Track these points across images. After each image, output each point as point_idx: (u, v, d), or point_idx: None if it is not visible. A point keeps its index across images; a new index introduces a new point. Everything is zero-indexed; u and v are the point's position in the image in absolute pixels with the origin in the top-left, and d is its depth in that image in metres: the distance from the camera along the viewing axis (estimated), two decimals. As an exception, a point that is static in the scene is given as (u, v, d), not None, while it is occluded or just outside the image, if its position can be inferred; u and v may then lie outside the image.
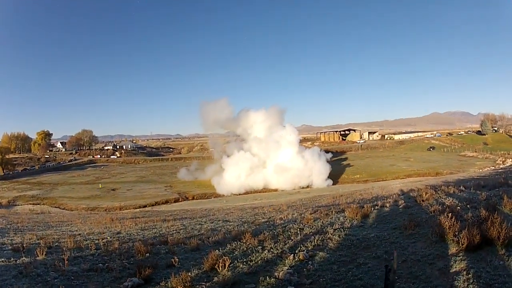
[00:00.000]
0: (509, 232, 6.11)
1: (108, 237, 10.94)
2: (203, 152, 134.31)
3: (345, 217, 11.17)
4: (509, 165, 59.17)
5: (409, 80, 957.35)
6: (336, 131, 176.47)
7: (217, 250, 7.79)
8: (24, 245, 9.30)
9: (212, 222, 13.67)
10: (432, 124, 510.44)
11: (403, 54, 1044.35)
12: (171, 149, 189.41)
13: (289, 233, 9.39)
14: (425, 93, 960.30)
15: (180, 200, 56.34)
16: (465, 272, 5.46)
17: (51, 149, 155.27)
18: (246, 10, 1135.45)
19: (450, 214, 8.04)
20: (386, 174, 66.93)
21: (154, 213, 28.01)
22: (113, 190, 67.36)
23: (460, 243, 6.33)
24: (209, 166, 74.56)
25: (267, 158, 70.71)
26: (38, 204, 55.12)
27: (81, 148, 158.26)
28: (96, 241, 10.13)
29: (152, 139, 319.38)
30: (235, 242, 8.64)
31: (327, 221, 10.79)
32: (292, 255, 7.13)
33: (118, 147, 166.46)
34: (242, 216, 16.32)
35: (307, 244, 7.91)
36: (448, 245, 6.68)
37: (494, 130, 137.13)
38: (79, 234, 11.93)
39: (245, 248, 8.00)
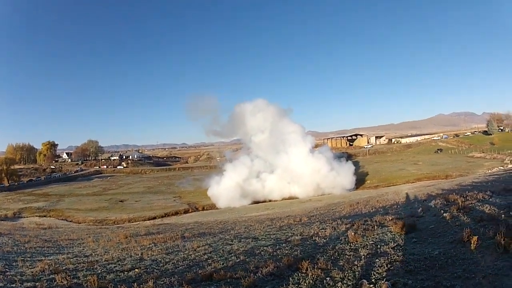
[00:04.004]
0: None
1: (131, 265, 9.57)
2: (210, 161, 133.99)
3: (391, 232, 10.34)
4: None
5: (413, 82, 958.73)
6: (343, 137, 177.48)
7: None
8: (37, 285, 7.94)
9: (240, 241, 12.38)
10: (437, 126, 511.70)
11: (405, 56, 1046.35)
12: (177, 159, 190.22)
13: (347, 256, 8.22)
14: (429, 94, 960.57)
15: (190, 211, 55.28)
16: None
17: (56, 159, 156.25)
18: (248, 16, 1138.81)
19: (503, 223, 8.03)
20: (396, 178, 65.96)
21: (167, 227, 26.75)
22: (121, 201, 66.55)
23: None
24: (213, 175, 71.17)
25: (273, 160, 67.49)
26: (45, 216, 54.35)
27: (87, 158, 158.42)
28: (121, 274, 8.86)
29: (158, 148, 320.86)
30: (295, 273, 7.24)
31: (375, 237, 9.84)
32: (373, 286, 6.08)
33: (124, 157, 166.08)
34: (267, 231, 15.05)
35: (377, 269, 6.86)
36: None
37: (500, 129, 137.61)
38: (96, 260, 10.63)
39: (312, 282, 6.69)
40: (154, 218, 48.49)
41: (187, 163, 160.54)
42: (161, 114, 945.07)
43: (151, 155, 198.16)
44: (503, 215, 9.26)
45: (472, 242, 7.37)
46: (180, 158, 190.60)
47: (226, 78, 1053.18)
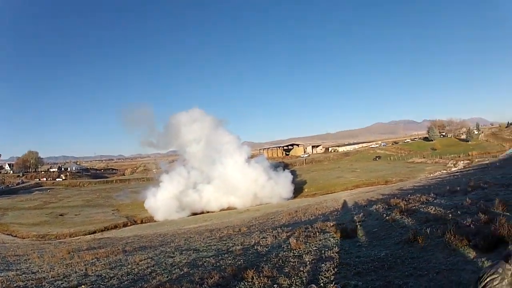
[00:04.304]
0: None
1: (77, 281, 9.53)
2: (146, 173, 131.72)
3: (334, 237, 10.61)
4: (461, 168, 61.54)
5: (350, 92, 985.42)
6: (279, 147, 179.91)
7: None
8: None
9: (181, 253, 12.47)
10: (375, 134, 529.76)
11: (341, 65, 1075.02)
12: (114, 171, 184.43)
13: (291, 263, 8.34)
14: (366, 103, 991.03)
15: (129, 224, 54.73)
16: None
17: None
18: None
19: (451, 222, 8.48)
20: (334, 186, 67.54)
21: (108, 241, 26.46)
22: (61, 215, 64.10)
23: (479, 246, 6.59)
24: (150, 187, 69.70)
25: (210, 171, 67.01)
26: (-9, 231, 51.31)
27: (28, 170, 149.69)
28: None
29: (95, 160, 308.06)
30: (241, 282, 7.27)
31: (318, 243, 10.07)
32: (324, 290, 6.15)
33: (63, 169, 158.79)
34: (207, 242, 15.03)
35: (325, 274, 7.04)
36: (467, 251, 6.77)
37: (442, 135, 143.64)
38: (44, 277, 10.83)
39: (259, 290, 6.68)
40: (94, 232, 47.19)
41: (124, 175, 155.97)
42: (99, 125, 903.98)
43: (88, 167, 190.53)
44: (450, 215, 9.71)
45: (420, 241, 7.76)
46: (117, 170, 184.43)
47: (163, 87, 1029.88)
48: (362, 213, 14.01)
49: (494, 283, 2.49)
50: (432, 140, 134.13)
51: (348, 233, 10.43)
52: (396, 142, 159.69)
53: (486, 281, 2.53)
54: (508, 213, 8.44)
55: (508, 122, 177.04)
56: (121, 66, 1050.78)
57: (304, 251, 9.25)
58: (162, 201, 61.26)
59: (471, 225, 7.97)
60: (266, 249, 10.69)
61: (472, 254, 6.60)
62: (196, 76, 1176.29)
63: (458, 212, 9.95)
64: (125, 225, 54.10)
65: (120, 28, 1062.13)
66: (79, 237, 42.60)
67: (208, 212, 61.04)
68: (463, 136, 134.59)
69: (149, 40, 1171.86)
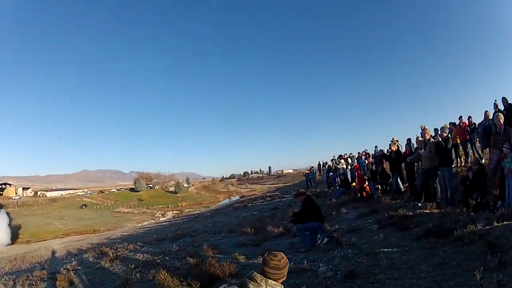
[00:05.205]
0: (230, 268, 7.09)
1: None
2: None
3: (53, 284, 10.07)
4: (171, 218, 63.38)
5: (60, 136, 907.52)
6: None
7: None
8: None
9: None
10: (82, 181, 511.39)
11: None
12: None
13: None
14: (75, 149, 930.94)
15: None
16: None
17: None
18: None
19: (160, 267, 8.59)
20: (45, 233, 60.56)
21: None
22: None
23: (192, 285, 6.76)
24: None
25: None
26: None
27: None
28: None
29: None
30: None
31: None
32: None
33: None
34: None
35: None
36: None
37: (149, 187, 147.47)
38: None
39: None
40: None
41: None
42: None
43: None
44: (158, 260, 10.08)
45: (132, 286, 7.79)
46: None
47: None
48: (74, 262, 13.70)
49: None
50: (139, 191, 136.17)
51: (70, 280, 10.26)
52: (102, 191, 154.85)
53: None
54: (219, 255, 9.25)
55: (222, 176, 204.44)
56: None
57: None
58: None
59: (181, 268, 8.37)
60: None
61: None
62: None
63: (166, 257, 10.41)
64: None
65: None
66: None
67: None
68: (172, 189, 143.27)
69: None
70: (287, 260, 2.84)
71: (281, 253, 2.86)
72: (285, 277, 2.83)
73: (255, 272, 2.76)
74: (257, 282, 2.66)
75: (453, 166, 13.16)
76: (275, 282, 2.72)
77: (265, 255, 2.91)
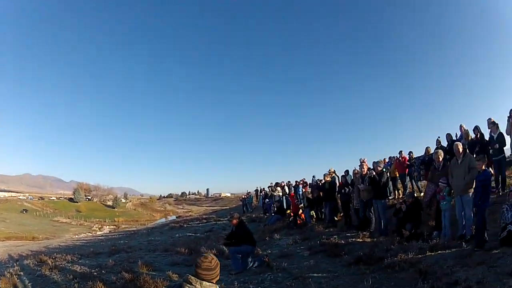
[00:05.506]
0: (164, 285, 7.07)
1: None
2: None
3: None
4: (107, 232, 62.21)
5: (2, 136, 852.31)
6: None
7: None
8: None
9: None
10: (24, 185, 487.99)
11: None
12: None
13: None
14: (19, 152, 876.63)
15: None
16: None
17: None
18: None
19: (97, 279, 8.55)
20: None
21: None
22: None
23: None
24: None
25: None
26: None
27: None
28: None
29: None
30: None
31: None
32: None
33: None
34: None
35: None
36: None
37: (88, 198, 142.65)
38: None
39: None
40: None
41: None
42: None
43: None
44: (95, 273, 10.09)
45: None
46: None
47: None
48: (17, 267, 12.93)
49: None
50: (78, 202, 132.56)
51: (14, 284, 9.71)
52: (42, 198, 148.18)
53: None
54: (154, 273, 9.44)
55: (160, 195, 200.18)
56: None
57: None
58: None
59: (116, 282, 8.43)
60: None
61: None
62: None
63: (103, 271, 10.44)
64: None
65: None
66: None
67: None
68: (110, 203, 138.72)
69: None
70: (217, 260, 3.09)
71: (211, 254, 3.12)
72: (218, 277, 3.07)
73: (190, 275, 2.98)
74: (192, 284, 2.90)
75: (390, 198, 13.51)
76: (210, 283, 2.96)
77: (197, 258, 3.13)
